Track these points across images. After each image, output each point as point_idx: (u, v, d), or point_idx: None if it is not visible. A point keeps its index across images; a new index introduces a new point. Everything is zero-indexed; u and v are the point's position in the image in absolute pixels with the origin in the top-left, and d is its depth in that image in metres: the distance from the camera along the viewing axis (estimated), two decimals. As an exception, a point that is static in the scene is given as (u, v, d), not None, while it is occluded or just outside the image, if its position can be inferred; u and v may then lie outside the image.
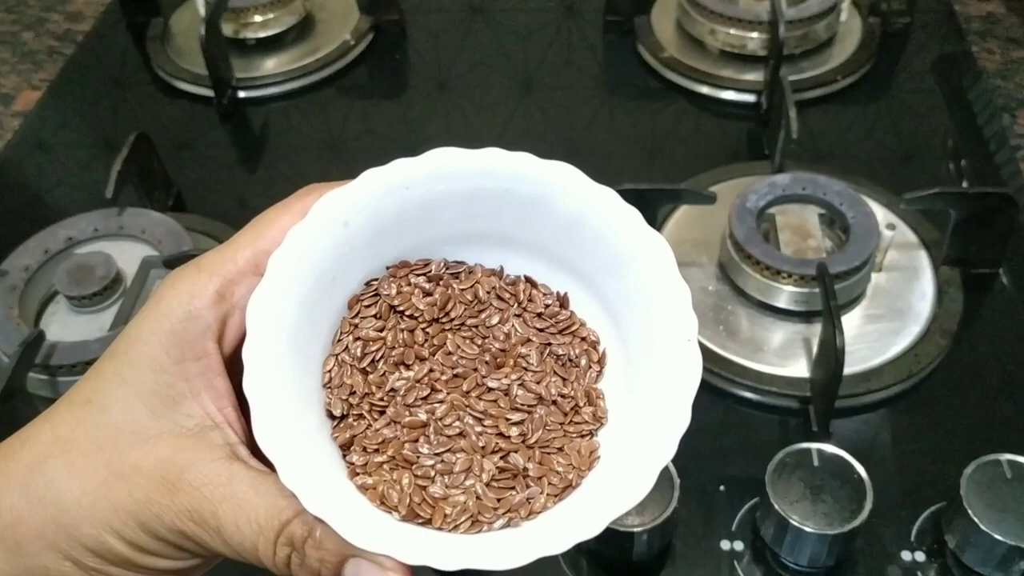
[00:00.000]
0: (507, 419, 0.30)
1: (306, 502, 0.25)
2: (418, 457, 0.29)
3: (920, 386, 0.58)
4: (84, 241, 0.64)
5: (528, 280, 0.32)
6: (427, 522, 0.28)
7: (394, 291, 0.31)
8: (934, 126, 0.77)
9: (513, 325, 0.32)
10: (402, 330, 0.31)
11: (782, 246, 0.61)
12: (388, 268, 0.32)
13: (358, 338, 0.31)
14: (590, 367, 0.31)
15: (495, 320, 0.32)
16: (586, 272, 0.31)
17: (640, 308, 0.30)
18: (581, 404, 0.30)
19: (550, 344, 0.31)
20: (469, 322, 0.32)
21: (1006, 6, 0.90)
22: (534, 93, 0.84)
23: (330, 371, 0.30)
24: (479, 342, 0.31)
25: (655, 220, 0.63)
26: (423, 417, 0.30)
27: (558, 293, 0.32)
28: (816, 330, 0.59)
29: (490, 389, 0.30)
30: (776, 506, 0.47)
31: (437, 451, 0.29)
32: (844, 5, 0.82)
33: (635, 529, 0.47)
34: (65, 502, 0.27)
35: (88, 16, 0.96)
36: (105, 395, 0.28)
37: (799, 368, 0.58)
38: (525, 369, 0.31)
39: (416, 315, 0.31)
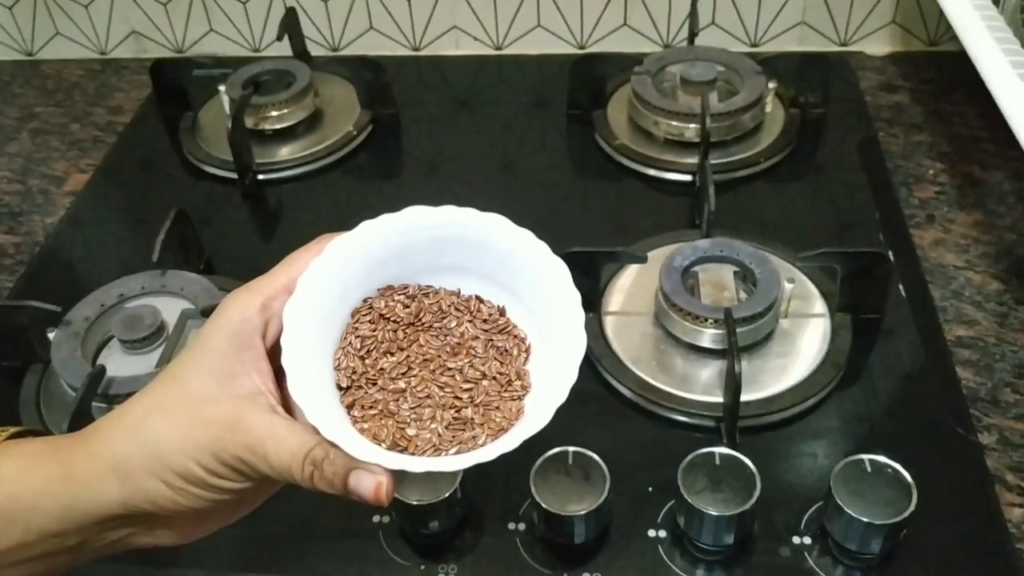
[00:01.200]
0: (461, 387, 0.42)
1: (324, 432, 0.38)
2: (398, 410, 0.42)
3: (814, 408, 0.71)
4: (133, 297, 0.78)
5: (477, 297, 0.45)
6: (404, 449, 0.41)
7: (383, 305, 0.44)
8: (842, 199, 0.92)
9: (466, 327, 0.44)
10: (388, 330, 0.44)
11: (702, 297, 0.75)
12: (379, 290, 0.45)
13: (358, 336, 0.44)
14: (520, 354, 0.44)
15: (453, 324, 0.44)
16: (517, 290, 0.44)
17: (550, 310, 0.43)
18: (513, 379, 0.43)
19: (492, 340, 0.44)
20: (435, 325, 0.44)
21: (911, 97, 1.06)
22: (511, 174, 0.99)
23: (339, 358, 0.43)
24: (442, 338, 0.44)
25: (599, 277, 0.77)
26: (402, 385, 0.42)
27: (498, 306, 0.45)
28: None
29: (449, 368, 0.43)
30: (685, 495, 0.60)
31: (412, 407, 0.42)
32: (768, 99, 0.97)
33: (578, 513, 0.60)
34: (161, 442, 0.39)
35: (127, 110, 1.12)
36: (186, 373, 0.40)
37: (715, 394, 0.71)
38: (474, 356, 0.43)
39: (398, 320, 0.44)
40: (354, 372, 0.43)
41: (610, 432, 0.71)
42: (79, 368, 0.71)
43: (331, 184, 0.99)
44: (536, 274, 0.43)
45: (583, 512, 0.60)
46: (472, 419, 0.41)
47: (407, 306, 0.44)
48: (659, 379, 0.73)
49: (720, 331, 0.73)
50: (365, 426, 0.41)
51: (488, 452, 0.39)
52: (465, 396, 0.42)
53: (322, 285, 0.42)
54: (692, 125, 0.94)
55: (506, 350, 0.44)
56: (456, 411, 0.42)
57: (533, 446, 0.40)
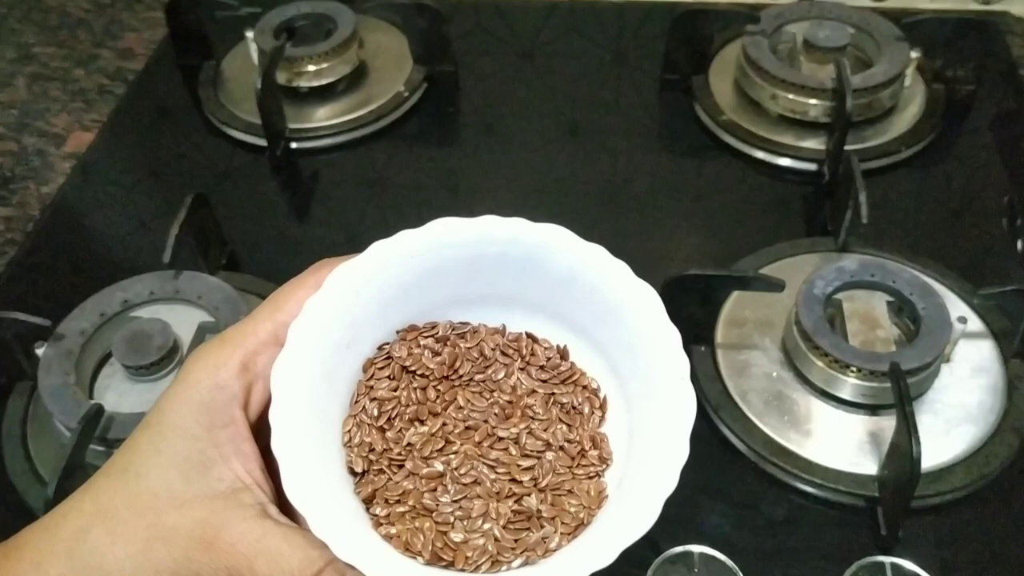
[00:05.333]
0: (518, 465, 0.32)
1: (337, 550, 0.27)
2: (437, 505, 0.31)
3: (990, 488, 0.56)
4: (140, 304, 0.63)
5: (529, 336, 0.35)
6: (450, 564, 0.30)
7: (405, 353, 0.34)
8: (998, 201, 0.75)
9: (518, 378, 0.34)
10: (415, 388, 0.33)
11: (850, 336, 0.60)
12: (398, 332, 0.34)
13: (374, 398, 0.33)
14: (593, 413, 0.34)
15: (501, 374, 0.34)
16: (583, 324, 0.34)
17: (635, 354, 0.32)
18: (587, 448, 0.33)
19: (554, 394, 0.34)
20: (477, 377, 0.34)
21: (1071, 71, 0.88)
22: (580, 138, 0.83)
23: (349, 431, 0.33)
24: (487, 396, 0.34)
25: (718, 306, 0.62)
26: (440, 468, 0.32)
27: (558, 346, 0.35)
28: (883, 424, 0.58)
29: (500, 438, 0.32)
30: (850, 626, 0.46)
31: (455, 498, 0.31)
32: (908, 71, 0.80)
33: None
34: (108, 566, 0.29)
35: (139, 53, 0.96)
36: (141, 464, 0.30)
37: (865, 464, 0.57)
38: (532, 418, 0.33)
39: (427, 374, 0.34)
40: (371, 450, 0.32)
41: (733, 509, 0.56)
42: (72, 401, 0.57)
43: (377, 154, 0.83)
44: (609, 303, 0.33)
45: (715, 642, 0.46)
46: (539, 511, 0.31)
47: (437, 353, 0.34)
48: (792, 440, 0.58)
49: (869, 383, 0.58)
50: (392, 531, 0.31)
51: (573, 571, 0.28)
52: (526, 478, 0.32)
53: (322, 331, 0.31)
54: (816, 101, 0.78)
55: (573, 407, 0.34)
56: (516, 500, 0.31)
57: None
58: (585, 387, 0.34)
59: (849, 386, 0.59)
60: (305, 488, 0.28)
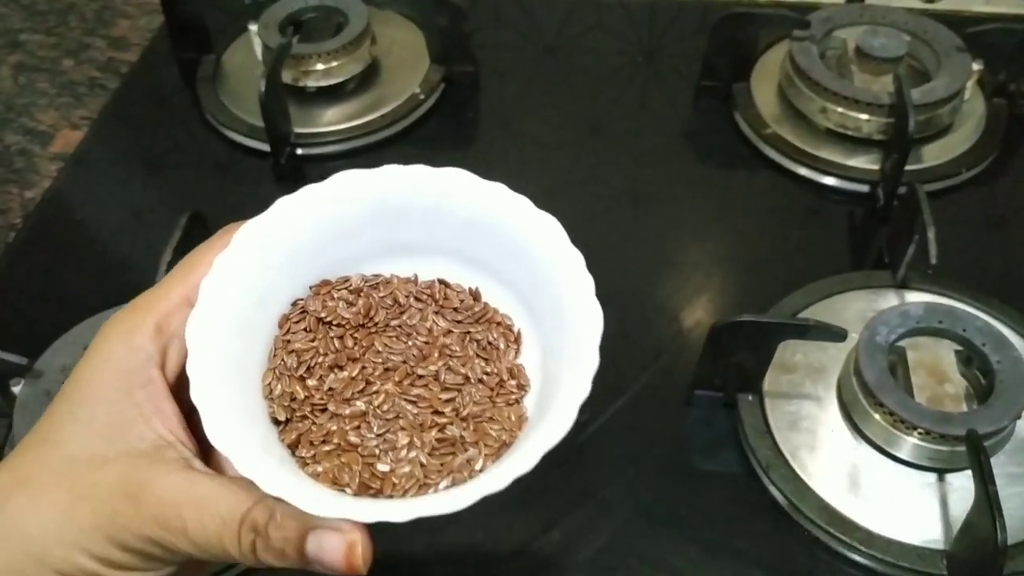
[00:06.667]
0: (439, 398, 0.32)
1: (264, 486, 0.27)
2: (362, 440, 0.31)
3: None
4: (129, 336, 0.57)
5: (441, 282, 0.36)
6: (378, 492, 0.30)
7: (320, 306, 0.34)
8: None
9: (433, 321, 0.35)
10: (332, 338, 0.34)
11: (916, 390, 0.54)
12: (311, 288, 0.35)
13: (292, 351, 0.33)
14: (508, 347, 0.34)
15: (416, 319, 0.35)
16: (493, 264, 0.35)
17: (542, 283, 0.33)
18: (505, 379, 0.33)
19: (469, 332, 0.35)
20: (392, 323, 0.35)
21: None
22: (605, 143, 0.77)
23: (269, 383, 0.33)
24: (404, 339, 0.34)
25: (770, 353, 0.55)
26: (362, 407, 0.32)
27: (470, 288, 0.36)
28: (951, 487, 0.53)
29: (420, 376, 0.33)
30: None
31: (379, 432, 0.32)
32: (968, 84, 0.74)
33: None
34: (31, 532, 0.28)
35: (134, 43, 0.89)
36: (60, 433, 0.30)
37: (930, 533, 0.51)
38: (450, 356, 0.34)
39: (343, 323, 0.34)
40: (293, 399, 0.33)
41: (784, 585, 0.51)
42: (50, 450, 0.51)
43: (390, 162, 0.75)
44: (513, 238, 0.34)
45: None
46: (461, 437, 0.32)
47: (352, 304, 0.35)
48: (850, 506, 0.52)
49: (935, 445, 0.52)
50: (319, 468, 0.31)
51: (496, 479, 0.28)
52: (447, 409, 0.33)
53: (234, 288, 0.32)
54: (866, 116, 0.71)
55: (489, 343, 0.35)
56: (439, 430, 0.32)
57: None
58: (499, 324, 0.35)
59: (912, 446, 0.53)
60: (228, 431, 0.28)
